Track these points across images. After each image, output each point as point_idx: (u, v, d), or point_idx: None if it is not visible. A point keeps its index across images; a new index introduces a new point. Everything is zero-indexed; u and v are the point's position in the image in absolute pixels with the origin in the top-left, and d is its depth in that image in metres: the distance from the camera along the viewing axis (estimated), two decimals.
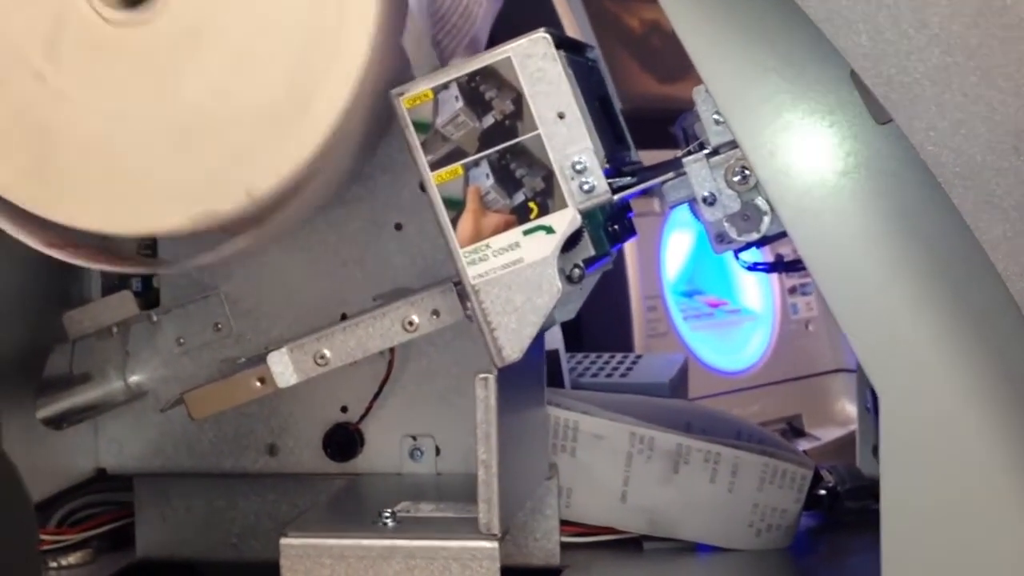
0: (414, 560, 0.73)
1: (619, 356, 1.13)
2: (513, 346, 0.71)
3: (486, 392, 0.72)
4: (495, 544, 0.72)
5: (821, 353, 2.31)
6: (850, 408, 2.32)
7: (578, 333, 1.48)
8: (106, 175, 0.70)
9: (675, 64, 2.22)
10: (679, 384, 1.08)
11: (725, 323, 2.21)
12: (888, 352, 0.66)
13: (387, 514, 0.76)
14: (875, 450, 0.87)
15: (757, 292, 2.25)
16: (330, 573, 0.73)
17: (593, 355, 1.14)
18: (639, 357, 1.12)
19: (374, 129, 0.77)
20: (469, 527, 0.73)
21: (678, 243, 2.10)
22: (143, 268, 0.77)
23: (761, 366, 2.22)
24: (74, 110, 0.70)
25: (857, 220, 0.65)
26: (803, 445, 2.11)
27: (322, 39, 0.69)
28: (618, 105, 0.80)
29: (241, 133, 0.70)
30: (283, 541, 0.74)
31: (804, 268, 1.00)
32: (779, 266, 0.99)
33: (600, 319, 1.79)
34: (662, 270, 2.02)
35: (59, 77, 0.69)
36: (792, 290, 2.26)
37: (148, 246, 0.90)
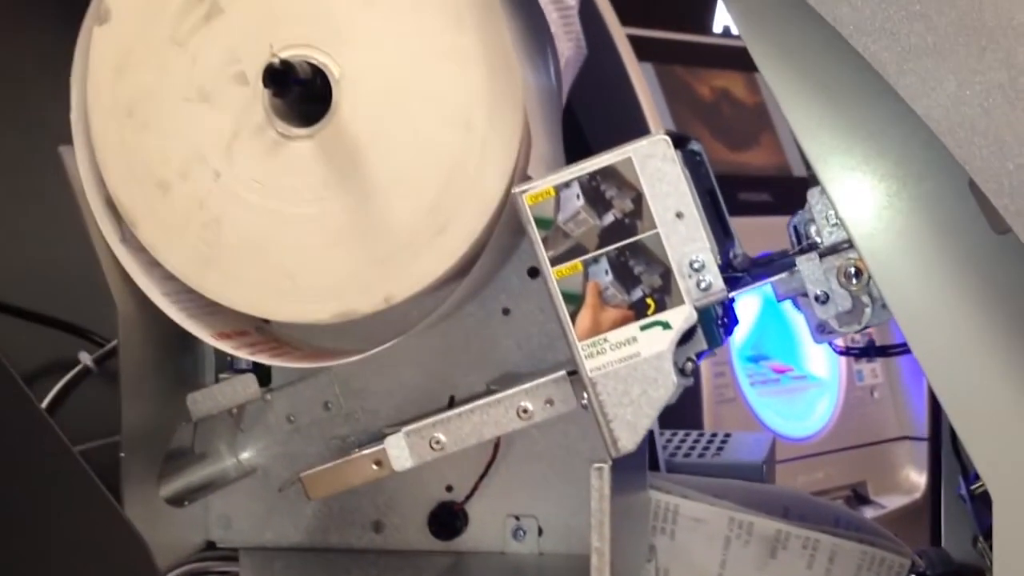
0: None
1: (708, 435, 1.14)
2: (629, 437, 0.73)
3: (601, 482, 0.74)
4: None
5: (886, 420, 2.32)
6: (915, 476, 2.32)
7: None
8: (265, 266, 0.75)
9: (743, 132, 2.25)
10: (770, 464, 1.09)
11: (791, 389, 2.22)
12: (1006, 459, 0.67)
13: None
14: (974, 541, 0.88)
15: (822, 358, 2.26)
16: None
17: (682, 433, 1.15)
18: (728, 436, 1.13)
19: (511, 237, 0.80)
20: None
21: (745, 308, 2.11)
22: (317, 362, 0.81)
23: (826, 433, 2.23)
24: (242, 206, 0.75)
25: (973, 327, 0.67)
26: (868, 513, 2.12)
27: (465, 174, 0.73)
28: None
29: (385, 244, 0.74)
30: None
31: (896, 353, 1.02)
32: (871, 350, 1.01)
33: None
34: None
35: (232, 176, 0.75)
36: (858, 357, 2.27)
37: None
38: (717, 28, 2.35)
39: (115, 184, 0.76)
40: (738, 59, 2.33)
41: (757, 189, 2.12)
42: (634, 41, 2.06)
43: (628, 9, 2.05)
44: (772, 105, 2.31)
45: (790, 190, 2.16)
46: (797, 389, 2.23)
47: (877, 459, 2.29)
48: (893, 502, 2.24)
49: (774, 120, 2.30)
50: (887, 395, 2.32)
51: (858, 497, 2.22)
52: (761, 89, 2.31)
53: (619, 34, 2.00)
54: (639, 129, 2.02)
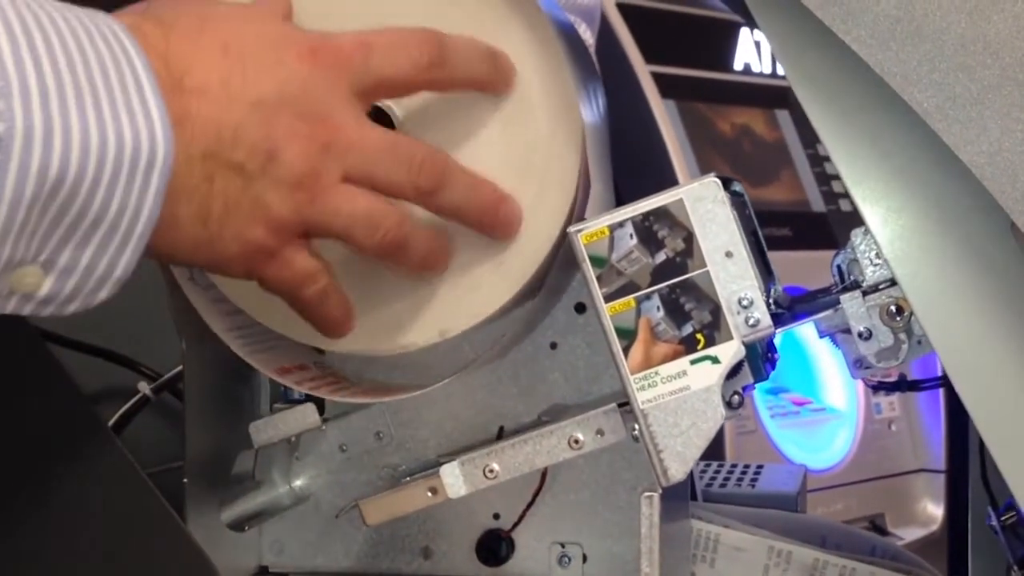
0: None
1: (741, 466, 1.17)
2: (678, 468, 0.76)
3: (651, 509, 0.76)
4: None
5: (904, 453, 2.34)
6: (932, 508, 2.34)
7: None
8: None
9: (764, 168, 2.28)
10: (803, 494, 1.12)
11: (810, 421, 2.25)
12: None
13: None
14: (1008, 570, 0.91)
15: (841, 391, 2.29)
16: None
17: (715, 464, 1.18)
18: (760, 467, 1.16)
19: (563, 275, 0.83)
20: None
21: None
22: (375, 397, 0.84)
23: (845, 465, 2.25)
24: None
25: (1015, 363, 0.69)
26: None
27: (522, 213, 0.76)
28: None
29: (443, 279, 0.77)
30: None
31: (925, 388, 1.05)
32: (903, 385, 1.04)
33: None
34: None
35: None
36: (876, 391, 2.29)
37: None
38: (738, 65, 2.39)
39: None
40: (759, 96, 2.37)
41: (778, 224, 2.15)
42: (657, 78, 2.09)
43: (651, 47, 2.08)
44: (791, 141, 2.35)
45: (810, 225, 2.19)
46: (816, 421, 2.26)
47: (895, 491, 2.32)
48: (910, 534, 2.26)
49: (793, 156, 2.33)
50: (904, 428, 2.34)
51: (876, 529, 2.24)
52: (781, 126, 2.34)
53: (643, 71, 2.03)
54: (662, 165, 2.05)
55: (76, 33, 0.55)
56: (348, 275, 0.76)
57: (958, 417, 1.91)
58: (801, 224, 2.15)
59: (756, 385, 0.83)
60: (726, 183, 0.81)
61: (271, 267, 0.67)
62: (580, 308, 0.91)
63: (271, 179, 0.63)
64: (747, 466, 1.17)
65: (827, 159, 2.24)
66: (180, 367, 0.91)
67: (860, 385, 2.28)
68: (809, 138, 2.32)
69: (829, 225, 2.21)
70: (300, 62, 0.64)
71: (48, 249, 0.55)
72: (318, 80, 0.64)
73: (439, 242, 0.74)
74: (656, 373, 0.75)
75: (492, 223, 0.74)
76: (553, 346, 0.92)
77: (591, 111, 0.81)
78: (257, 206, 0.63)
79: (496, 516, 0.93)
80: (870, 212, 0.72)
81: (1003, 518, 0.96)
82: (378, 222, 0.68)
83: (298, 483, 0.94)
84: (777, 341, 0.85)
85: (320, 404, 0.92)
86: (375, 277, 0.77)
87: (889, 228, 0.72)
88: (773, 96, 2.34)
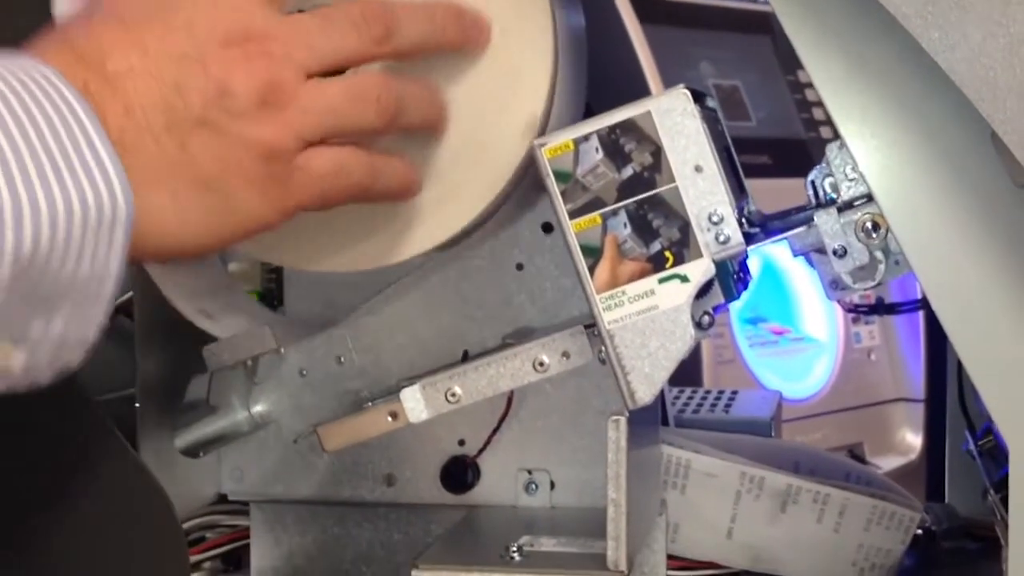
0: None
1: (715, 392, 1.15)
2: (646, 390, 0.73)
3: (618, 433, 0.74)
4: None
5: (883, 382, 2.33)
6: (911, 438, 2.33)
7: None
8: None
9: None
10: (777, 421, 1.10)
11: (789, 351, 2.23)
12: (1021, 405, 0.67)
13: (513, 548, 0.78)
14: (984, 494, 0.89)
15: (821, 320, 2.27)
16: None
17: (689, 390, 1.16)
18: (735, 393, 1.14)
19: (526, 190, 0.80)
20: (594, 563, 0.75)
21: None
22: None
23: (824, 394, 2.24)
24: None
25: (994, 280, 0.67)
26: None
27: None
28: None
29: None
30: (415, 573, 0.76)
31: (904, 311, 1.02)
32: (880, 308, 1.01)
33: None
34: None
35: None
36: (855, 319, 2.28)
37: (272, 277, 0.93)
38: None
39: None
40: (736, 22, 2.33)
41: (756, 151, 2.12)
42: (635, 2, 2.06)
43: None
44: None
45: (789, 152, 2.16)
46: (795, 351, 2.24)
47: (873, 420, 2.31)
48: (889, 463, 2.25)
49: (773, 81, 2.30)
50: (884, 357, 2.33)
51: (855, 458, 2.22)
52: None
53: None
54: (639, 91, 2.01)
55: (18, 92, 0.52)
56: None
57: (938, 344, 1.89)
58: (781, 151, 2.12)
59: (728, 306, 0.81)
60: (697, 97, 0.78)
61: (299, 187, 0.63)
62: (547, 228, 0.88)
63: (236, 114, 0.60)
64: (721, 392, 1.14)
65: (808, 85, 2.21)
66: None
67: (840, 314, 2.26)
68: (790, 64, 2.28)
69: (809, 152, 2.18)
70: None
71: (19, 325, 0.52)
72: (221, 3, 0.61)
73: (431, 93, 0.71)
74: (623, 292, 0.73)
75: (463, 37, 0.70)
76: (519, 267, 0.89)
77: (566, 26, 0.78)
78: (243, 146, 0.60)
79: (461, 442, 0.91)
80: (845, 124, 0.69)
81: (980, 442, 0.94)
82: (363, 92, 0.64)
83: (257, 408, 0.92)
84: (752, 262, 0.83)
85: (276, 303, 0.90)
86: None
87: (865, 141, 0.70)
88: (754, 22, 2.30)
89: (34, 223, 0.50)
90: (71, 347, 0.55)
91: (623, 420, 0.74)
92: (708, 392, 1.15)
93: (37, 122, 0.52)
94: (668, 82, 2.09)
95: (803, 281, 2.17)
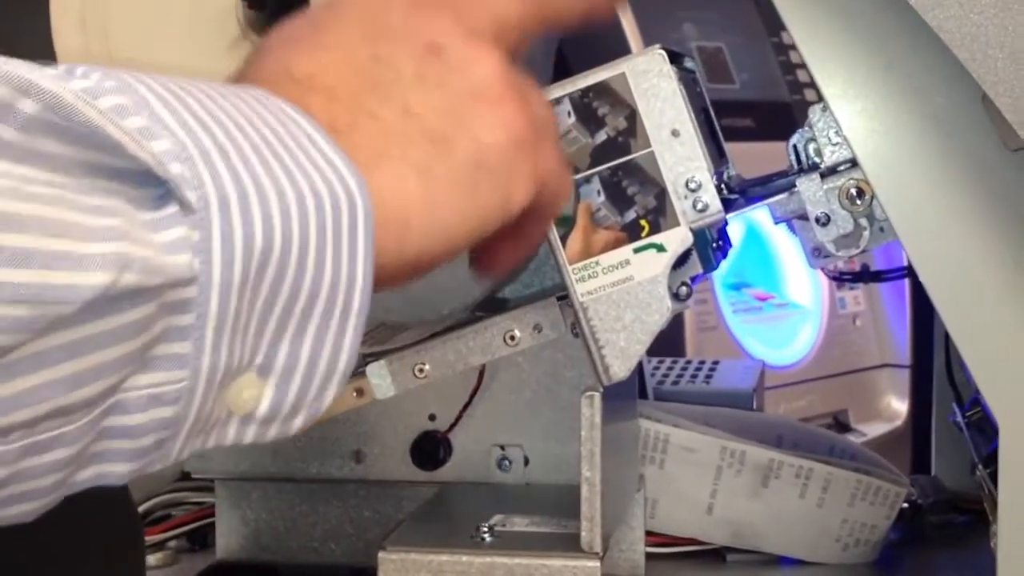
0: None
1: (696, 362, 1.12)
2: (621, 365, 0.70)
3: (591, 410, 0.71)
4: (596, 563, 0.72)
5: (868, 348, 2.31)
6: (896, 404, 2.31)
7: None
8: None
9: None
10: (760, 391, 1.07)
11: (773, 317, 2.20)
12: (1013, 382, 0.64)
13: (484, 528, 0.75)
14: (972, 468, 0.86)
15: (805, 286, 2.24)
16: None
17: (669, 360, 1.13)
18: (716, 363, 1.11)
19: None
20: (568, 543, 0.73)
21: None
22: None
23: (808, 361, 2.22)
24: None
25: (983, 247, 0.64)
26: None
27: None
28: None
29: None
30: (381, 555, 0.73)
31: (890, 278, 1.00)
32: (865, 275, 0.99)
33: None
34: None
35: None
36: (840, 284, 2.25)
37: None
38: None
39: None
40: None
41: (740, 114, 2.09)
42: None
43: None
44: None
45: (773, 116, 2.13)
46: (779, 317, 2.22)
47: (859, 387, 2.28)
48: (874, 430, 2.23)
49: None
50: (869, 323, 2.30)
51: (839, 425, 2.21)
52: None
53: None
54: (619, 51, 1.98)
55: (227, 96, 0.44)
56: None
57: (924, 309, 1.87)
58: (764, 114, 2.09)
59: (708, 276, 0.78)
60: (674, 57, 0.74)
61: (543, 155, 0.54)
62: None
63: (446, 64, 0.51)
64: (702, 362, 1.11)
65: (793, 47, 2.18)
66: None
67: (824, 280, 2.23)
68: (774, 26, 2.25)
69: (794, 116, 2.15)
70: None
71: (263, 347, 0.44)
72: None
73: None
74: (597, 263, 0.69)
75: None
76: None
77: None
78: (468, 87, 0.51)
79: (432, 417, 0.88)
80: (829, 85, 0.66)
81: (968, 414, 0.91)
82: None
83: None
84: (735, 226, 0.79)
85: None
86: None
87: (850, 103, 0.66)
88: None
89: (263, 209, 0.41)
90: (324, 379, 0.45)
91: (597, 396, 0.71)
92: (689, 362, 1.12)
93: (254, 121, 0.44)
94: (650, 44, 2.06)
95: (787, 246, 2.15)
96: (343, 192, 0.44)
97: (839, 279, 0.92)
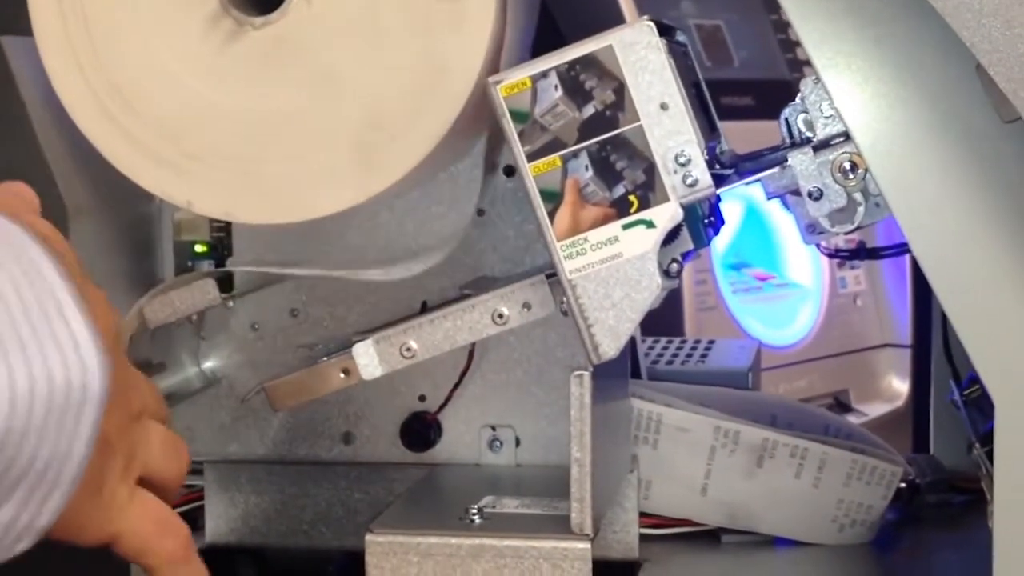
0: (503, 559, 0.71)
1: (691, 342, 1.11)
2: (610, 343, 0.69)
3: (581, 390, 0.70)
4: (587, 544, 0.71)
5: (869, 328, 2.30)
6: (897, 384, 2.30)
7: None
8: (231, 168, 0.70)
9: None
10: (755, 371, 1.06)
11: (773, 297, 2.19)
12: (1010, 360, 0.63)
13: (474, 510, 0.74)
14: (969, 447, 0.85)
15: (806, 266, 2.23)
16: (417, 571, 0.72)
17: (664, 340, 1.12)
18: (712, 343, 1.10)
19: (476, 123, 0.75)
20: (558, 525, 0.72)
21: (726, 215, 2.07)
22: None
23: (809, 340, 2.21)
24: (200, 103, 0.69)
25: (979, 222, 0.63)
26: (850, 420, 2.10)
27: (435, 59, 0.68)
28: None
29: (360, 134, 0.69)
30: (369, 538, 0.72)
31: (885, 256, 0.98)
32: (862, 253, 0.97)
33: None
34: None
35: (188, 72, 0.69)
36: (840, 263, 2.24)
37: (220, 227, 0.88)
38: None
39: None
40: None
41: (741, 93, 2.07)
42: None
43: None
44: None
45: (773, 94, 2.12)
46: (779, 297, 2.21)
47: (859, 367, 2.27)
48: (875, 410, 2.23)
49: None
50: (870, 302, 2.30)
51: (840, 405, 2.20)
52: None
53: None
54: (614, 21, 1.96)
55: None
56: (257, 141, 0.68)
57: (925, 289, 1.85)
58: (764, 92, 2.08)
59: (698, 253, 0.76)
60: (664, 29, 0.73)
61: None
62: (509, 171, 0.84)
63: None
64: (697, 341, 1.10)
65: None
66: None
67: (825, 260, 2.22)
68: (773, 3, 2.23)
69: (793, 94, 2.13)
70: None
71: None
72: None
73: None
74: (585, 240, 0.68)
75: None
76: (480, 213, 0.85)
77: None
78: None
79: (422, 398, 0.87)
80: (819, 56, 0.65)
81: (966, 392, 0.90)
82: None
83: (208, 364, 0.88)
84: (734, 205, 0.78)
85: (228, 280, 0.85)
86: (286, 140, 0.69)
87: (841, 75, 0.65)
88: None
89: None
90: (19, 534, 0.47)
91: (587, 376, 0.70)
92: (684, 342, 1.11)
93: (6, 295, 0.45)
94: None
95: (787, 226, 2.13)
96: (79, 375, 0.45)
97: (835, 256, 0.90)
